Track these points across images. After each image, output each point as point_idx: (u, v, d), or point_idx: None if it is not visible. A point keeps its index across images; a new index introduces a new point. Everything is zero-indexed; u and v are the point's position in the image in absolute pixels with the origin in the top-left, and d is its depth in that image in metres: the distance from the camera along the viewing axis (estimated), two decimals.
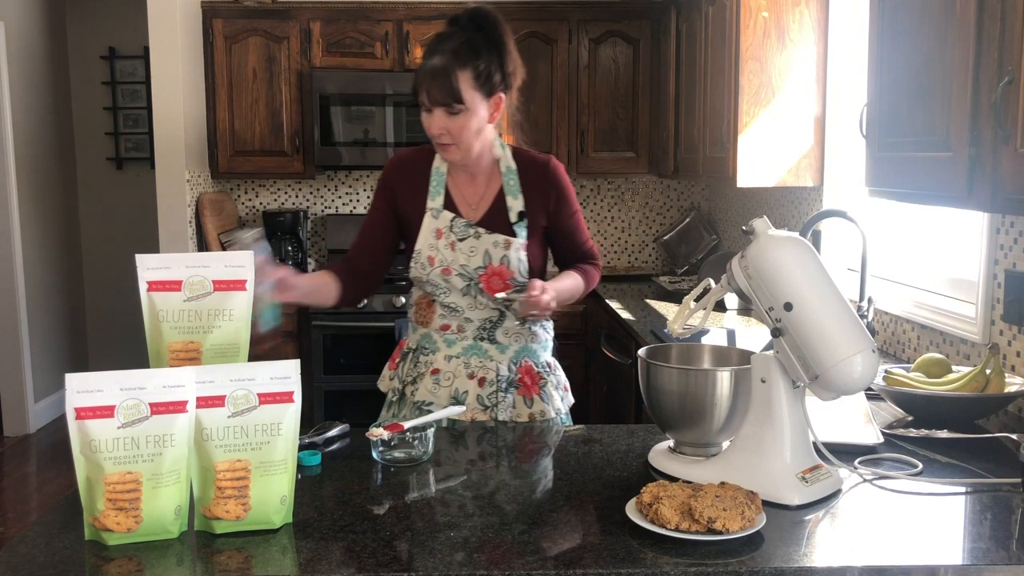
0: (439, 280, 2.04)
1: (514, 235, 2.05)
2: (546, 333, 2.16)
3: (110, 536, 1.30)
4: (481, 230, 2.03)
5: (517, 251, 2.03)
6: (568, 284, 2.08)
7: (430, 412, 1.99)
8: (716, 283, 1.63)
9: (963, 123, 1.65)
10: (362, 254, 2.13)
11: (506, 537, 1.33)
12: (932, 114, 1.77)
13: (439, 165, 2.09)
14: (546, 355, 2.16)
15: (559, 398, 2.13)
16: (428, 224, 2.05)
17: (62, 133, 5.91)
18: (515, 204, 2.06)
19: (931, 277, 2.61)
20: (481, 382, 2.06)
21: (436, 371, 2.07)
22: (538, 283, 1.93)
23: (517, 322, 2.08)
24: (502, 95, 2.00)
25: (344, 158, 4.54)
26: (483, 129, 1.99)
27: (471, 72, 1.93)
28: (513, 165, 2.08)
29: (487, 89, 1.96)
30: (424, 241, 2.05)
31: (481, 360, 2.07)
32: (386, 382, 2.20)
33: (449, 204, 2.07)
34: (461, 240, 2.03)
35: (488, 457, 1.78)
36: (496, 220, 2.05)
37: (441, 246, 2.03)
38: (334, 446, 1.76)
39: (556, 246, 2.17)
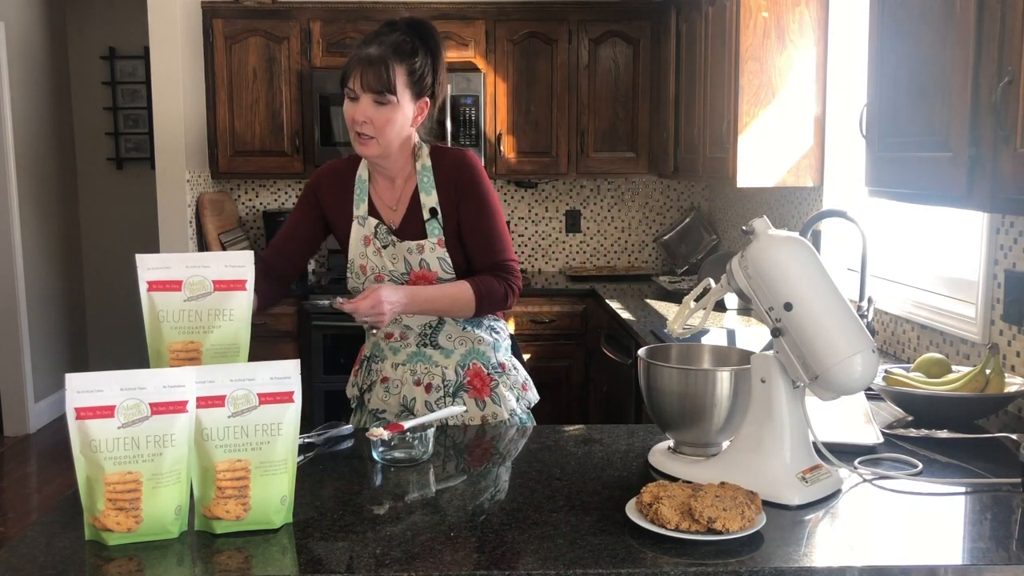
0: None
1: (424, 237, 2.02)
2: (494, 335, 2.13)
3: (110, 536, 1.30)
4: (394, 238, 2.02)
5: (432, 251, 2.00)
6: (437, 293, 1.98)
7: (385, 420, 2.00)
8: (716, 283, 1.63)
9: (963, 123, 1.65)
10: (280, 255, 2.12)
11: (506, 537, 1.33)
12: (932, 114, 1.77)
13: (362, 172, 2.09)
14: (498, 356, 2.12)
15: (514, 398, 2.11)
16: (356, 232, 2.06)
17: (62, 133, 5.91)
18: (427, 201, 2.03)
19: (931, 277, 2.61)
20: (428, 388, 2.06)
21: (385, 379, 2.09)
22: (371, 289, 1.90)
23: (460, 325, 2.06)
24: (427, 100, 2.02)
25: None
26: (404, 129, 1.99)
27: (406, 68, 1.96)
28: (428, 163, 2.05)
29: (417, 89, 1.99)
30: (355, 250, 2.06)
31: (426, 366, 2.07)
32: (350, 388, 2.21)
33: (372, 210, 2.07)
34: (384, 247, 2.03)
35: (488, 457, 1.78)
36: (412, 221, 2.03)
37: (370, 253, 2.04)
38: (341, 446, 1.76)
39: (467, 249, 2.05)
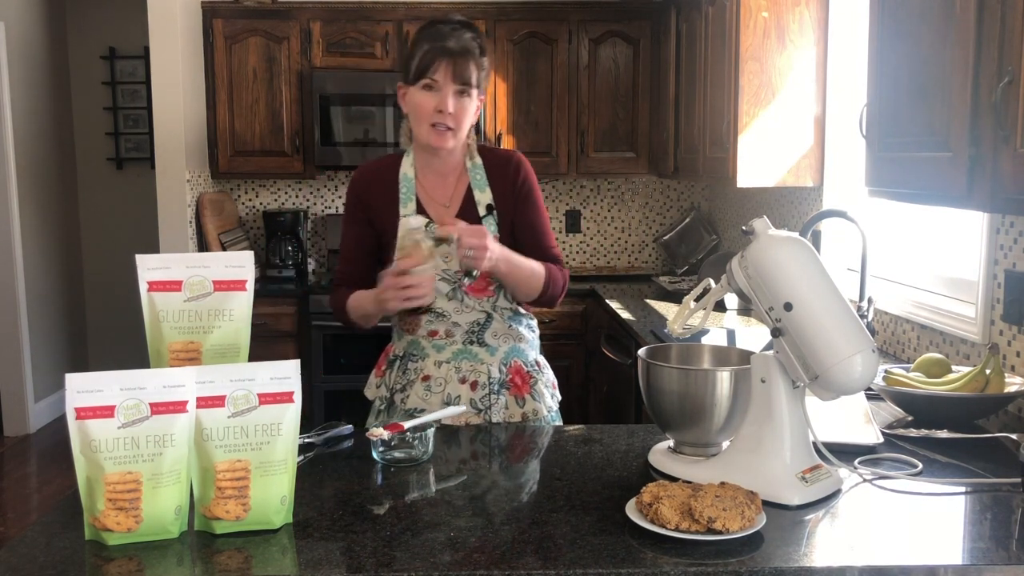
0: None
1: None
2: (532, 332, 2.16)
3: (110, 536, 1.30)
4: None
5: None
6: (525, 260, 2.00)
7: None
8: (716, 283, 1.63)
9: (963, 123, 1.65)
10: (358, 273, 2.11)
11: (506, 537, 1.33)
12: (932, 114, 1.77)
13: (406, 171, 2.08)
14: (534, 354, 2.16)
15: (549, 396, 2.14)
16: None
17: (62, 133, 5.91)
18: (483, 198, 2.06)
19: (931, 277, 2.61)
20: (473, 386, 2.05)
21: (427, 377, 2.06)
22: (475, 227, 1.88)
23: (506, 322, 2.07)
24: (483, 98, 2.06)
25: (344, 158, 4.54)
26: (471, 123, 2.03)
27: (479, 65, 1.99)
28: (479, 160, 2.09)
29: (483, 86, 2.03)
30: None
31: (472, 364, 2.06)
32: (373, 390, 2.17)
33: (420, 209, 2.06)
34: (437, 245, 2.03)
35: (488, 457, 1.78)
36: (467, 218, 2.03)
37: None
38: (341, 446, 1.77)
39: (521, 245, 2.09)
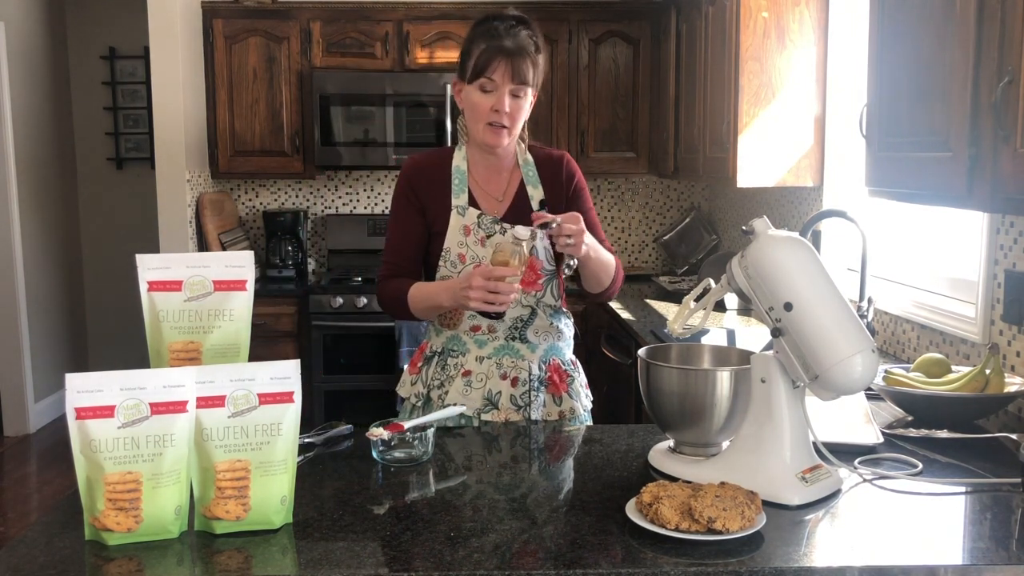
0: None
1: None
2: (569, 331, 2.16)
3: (110, 536, 1.30)
4: (507, 226, 2.03)
5: (541, 241, 2.04)
6: (603, 249, 2.02)
7: (463, 415, 2.02)
8: (716, 283, 1.63)
9: (963, 123, 1.65)
10: (408, 264, 2.08)
11: (506, 537, 1.33)
12: (932, 114, 1.77)
13: (459, 163, 2.08)
14: (570, 353, 2.17)
15: (584, 395, 2.15)
16: (455, 221, 2.04)
17: (62, 133, 5.91)
18: (536, 193, 2.09)
19: (931, 277, 2.61)
20: (514, 382, 2.05)
21: (467, 373, 2.05)
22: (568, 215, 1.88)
23: (548, 319, 2.07)
24: (536, 95, 2.06)
25: (344, 158, 4.54)
26: (525, 119, 2.04)
27: (535, 63, 2.00)
28: (530, 158, 2.12)
29: (538, 83, 2.03)
30: (453, 239, 2.03)
31: (513, 360, 2.06)
32: (407, 387, 2.14)
33: (472, 202, 2.06)
34: (489, 236, 2.03)
35: (488, 457, 1.78)
36: (520, 212, 2.06)
37: (471, 243, 2.03)
38: (341, 446, 1.76)
39: None
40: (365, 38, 4.55)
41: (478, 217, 2.03)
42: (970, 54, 1.63)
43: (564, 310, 2.15)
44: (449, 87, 4.39)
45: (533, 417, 2.04)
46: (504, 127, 1.98)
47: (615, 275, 2.08)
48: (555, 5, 4.60)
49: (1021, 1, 1.50)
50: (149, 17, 4.28)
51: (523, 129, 2.10)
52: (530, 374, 2.06)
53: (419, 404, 2.10)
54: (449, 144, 4.36)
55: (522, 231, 1.85)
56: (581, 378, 2.17)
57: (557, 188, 2.10)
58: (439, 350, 2.10)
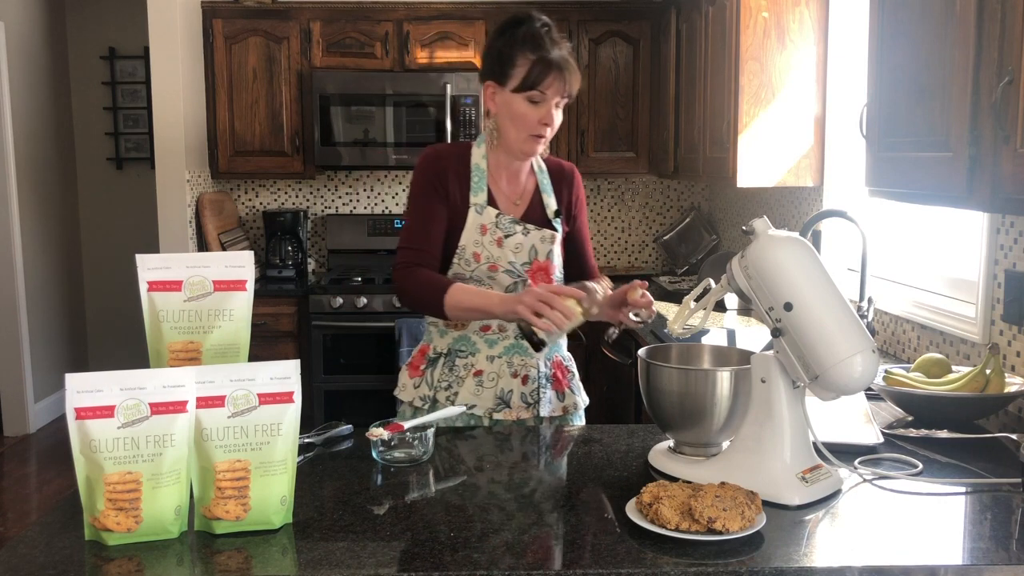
0: (484, 277, 2.02)
1: (555, 230, 2.08)
2: None
3: (110, 536, 1.30)
4: (530, 226, 2.05)
5: (557, 246, 2.07)
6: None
7: (474, 415, 2.04)
8: (716, 283, 1.63)
9: (963, 123, 1.65)
10: (431, 254, 2.02)
11: (506, 537, 1.33)
12: (932, 114, 1.77)
13: (479, 162, 2.07)
14: (564, 350, 2.20)
15: (581, 390, 2.20)
16: (473, 220, 2.02)
17: (62, 133, 5.91)
18: (550, 202, 2.11)
19: (931, 277, 2.61)
20: (524, 380, 2.07)
21: (479, 372, 2.05)
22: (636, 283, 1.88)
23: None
24: None
25: (344, 158, 4.54)
26: None
27: (578, 76, 1.99)
28: (544, 166, 2.14)
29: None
30: (469, 237, 2.02)
31: (523, 358, 2.07)
32: (409, 391, 2.10)
33: (491, 201, 2.06)
34: (507, 236, 2.03)
35: (488, 457, 1.78)
36: (536, 217, 2.08)
37: (486, 242, 2.02)
38: (340, 446, 1.76)
39: (572, 253, 2.17)
40: (365, 38, 4.55)
41: (496, 217, 2.03)
42: (970, 54, 1.63)
43: None
44: (448, 87, 4.39)
45: (542, 414, 2.07)
46: (543, 136, 1.99)
47: None
48: (555, 5, 4.59)
49: (1021, 1, 1.50)
50: (149, 17, 4.29)
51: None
52: (538, 371, 2.08)
53: (425, 407, 2.06)
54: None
55: (598, 290, 1.87)
56: (576, 374, 2.21)
57: (565, 199, 2.14)
58: (445, 351, 2.09)
